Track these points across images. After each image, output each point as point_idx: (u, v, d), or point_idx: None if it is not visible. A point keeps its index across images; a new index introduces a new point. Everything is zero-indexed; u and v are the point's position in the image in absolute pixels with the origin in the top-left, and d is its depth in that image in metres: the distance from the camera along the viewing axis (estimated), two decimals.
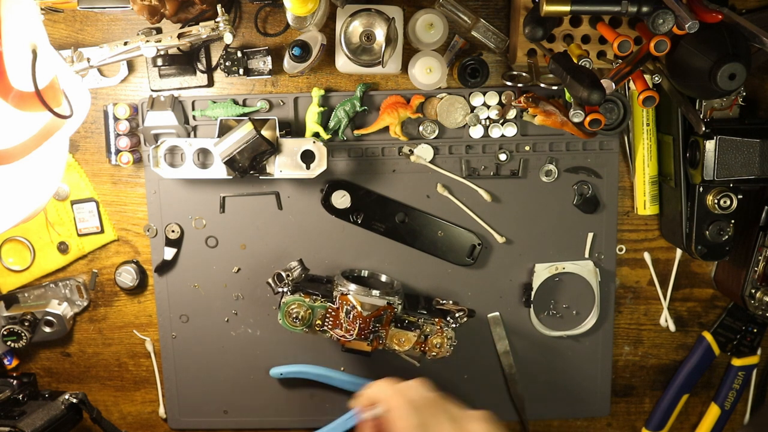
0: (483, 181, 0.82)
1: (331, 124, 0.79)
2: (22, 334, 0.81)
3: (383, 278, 0.82)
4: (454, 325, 0.76)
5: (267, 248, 0.82)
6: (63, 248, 0.82)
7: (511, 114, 0.80)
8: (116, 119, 0.79)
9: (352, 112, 0.79)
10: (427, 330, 0.75)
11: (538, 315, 0.84)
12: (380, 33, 0.72)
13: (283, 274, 0.75)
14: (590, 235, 0.83)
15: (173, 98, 0.78)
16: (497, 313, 0.84)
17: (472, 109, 0.80)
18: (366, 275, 0.82)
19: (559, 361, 0.86)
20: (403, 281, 0.83)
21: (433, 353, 0.76)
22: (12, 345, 0.82)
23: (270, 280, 0.76)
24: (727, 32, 0.62)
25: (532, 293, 0.83)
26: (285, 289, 0.74)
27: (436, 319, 0.76)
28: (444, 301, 0.79)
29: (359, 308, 0.72)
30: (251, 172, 0.76)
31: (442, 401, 0.63)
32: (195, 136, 0.80)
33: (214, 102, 0.79)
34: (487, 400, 0.86)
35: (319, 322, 0.75)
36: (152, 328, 0.85)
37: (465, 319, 0.76)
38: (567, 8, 0.62)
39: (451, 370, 0.85)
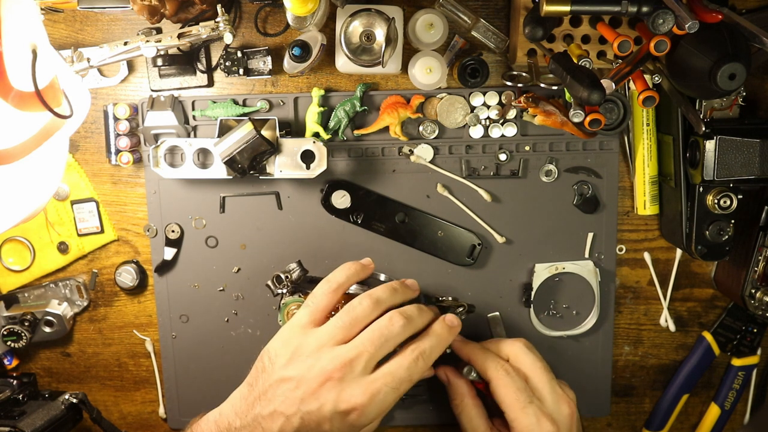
0: (483, 181, 0.82)
1: (331, 124, 0.79)
2: (22, 334, 0.81)
3: (382, 277, 0.82)
4: None
5: (267, 248, 0.82)
6: (63, 248, 0.82)
7: (511, 114, 0.80)
8: (116, 119, 0.79)
9: (352, 112, 0.79)
10: None
11: (538, 315, 0.84)
12: (380, 33, 0.72)
13: (282, 276, 0.75)
14: (590, 235, 0.83)
15: (173, 98, 0.78)
16: (497, 313, 0.84)
17: (472, 109, 0.80)
18: None
19: (559, 361, 0.86)
20: None
21: None
22: (12, 345, 0.82)
23: (269, 282, 0.76)
24: (727, 32, 0.62)
25: (532, 293, 0.83)
26: (284, 291, 0.74)
27: None
28: (443, 298, 0.79)
29: None
30: (251, 172, 0.76)
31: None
32: (195, 136, 0.80)
33: (214, 102, 0.79)
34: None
35: None
36: (152, 328, 0.85)
37: (465, 315, 0.76)
38: (567, 8, 0.62)
39: None
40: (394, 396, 0.63)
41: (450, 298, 0.79)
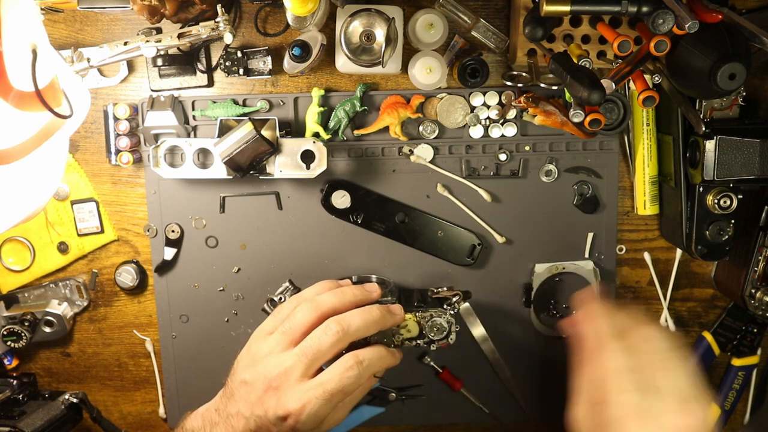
0: (483, 181, 0.82)
1: (331, 124, 0.79)
2: (22, 334, 0.81)
3: (373, 278, 0.82)
4: (452, 312, 0.75)
5: (267, 248, 0.82)
6: (63, 248, 0.82)
7: (511, 114, 0.80)
8: (116, 119, 0.79)
9: (352, 112, 0.79)
10: (428, 319, 0.74)
11: (538, 315, 0.84)
12: (380, 33, 0.72)
13: (276, 299, 0.76)
14: (590, 235, 0.83)
15: (173, 98, 0.78)
16: (467, 305, 0.83)
17: (472, 109, 0.80)
18: (356, 280, 0.82)
19: (559, 361, 0.85)
20: (402, 281, 0.83)
21: (438, 337, 0.74)
22: (12, 345, 0.82)
23: (265, 306, 0.78)
24: (727, 32, 0.62)
25: (532, 293, 0.83)
26: None
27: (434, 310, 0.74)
28: (438, 289, 0.79)
29: None
30: (251, 172, 0.76)
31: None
32: (195, 136, 0.80)
33: (214, 102, 0.79)
34: (480, 390, 0.86)
35: None
36: (152, 328, 0.85)
37: (463, 303, 0.75)
38: (567, 8, 0.62)
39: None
40: (327, 407, 0.63)
41: (445, 288, 0.78)
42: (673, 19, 0.60)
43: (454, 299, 0.75)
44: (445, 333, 0.73)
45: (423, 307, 0.75)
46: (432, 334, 0.73)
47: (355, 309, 0.68)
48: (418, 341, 0.73)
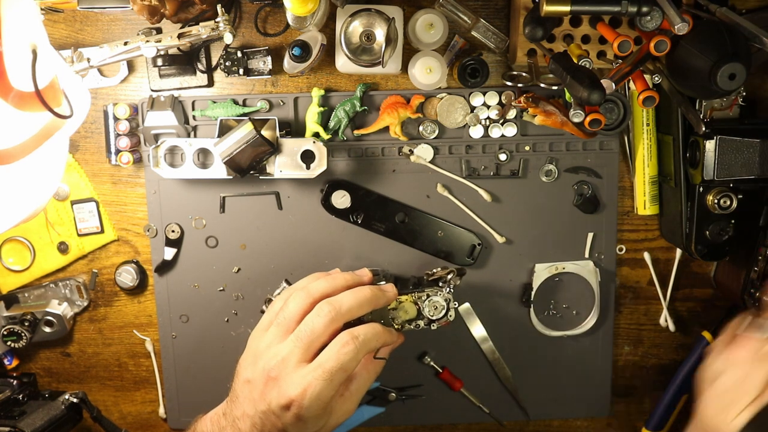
0: (483, 181, 0.82)
1: (331, 124, 0.79)
2: (22, 334, 0.81)
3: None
4: (449, 289, 0.74)
5: (267, 248, 0.82)
6: (63, 248, 0.82)
7: (511, 114, 0.80)
8: (116, 119, 0.79)
9: (352, 112, 0.79)
10: (424, 298, 0.73)
11: (538, 315, 0.84)
12: (380, 33, 0.72)
13: (274, 299, 0.76)
14: (590, 235, 0.83)
15: (173, 98, 0.78)
16: (467, 304, 0.83)
17: (472, 109, 0.80)
18: None
19: (559, 361, 0.86)
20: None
21: (437, 316, 0.73)
22: (12, 345, 0.82)
23: (263, 307, 0.78)
24: (727, 32, 0.62)
25: (532, 293, 0.83)
26: None
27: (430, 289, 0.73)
28: (433, 271, 0.78)
29: None
30: (251, 172, 0.76)
31: None
32: (195, 136, 0.80)
33: (214, 102, 0.79)
34: (480, 390, 0.86)
35: None
36: (152, 328, 0.85)
37: (458, 280, 0.74)
38: (567, 8, 0.62)
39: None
40: (329, 388, 0.62)
41: (439, 268, 0.78)
42: (660, 17, 0.60)
43: (449, 276, 0.74)
44: (443, 311, 0.72)
45: (419, 289, 0.74)
46: (431, 314, 0.72)
47: (347, 290, 0.67)
48: (418, 322, 0.72)
